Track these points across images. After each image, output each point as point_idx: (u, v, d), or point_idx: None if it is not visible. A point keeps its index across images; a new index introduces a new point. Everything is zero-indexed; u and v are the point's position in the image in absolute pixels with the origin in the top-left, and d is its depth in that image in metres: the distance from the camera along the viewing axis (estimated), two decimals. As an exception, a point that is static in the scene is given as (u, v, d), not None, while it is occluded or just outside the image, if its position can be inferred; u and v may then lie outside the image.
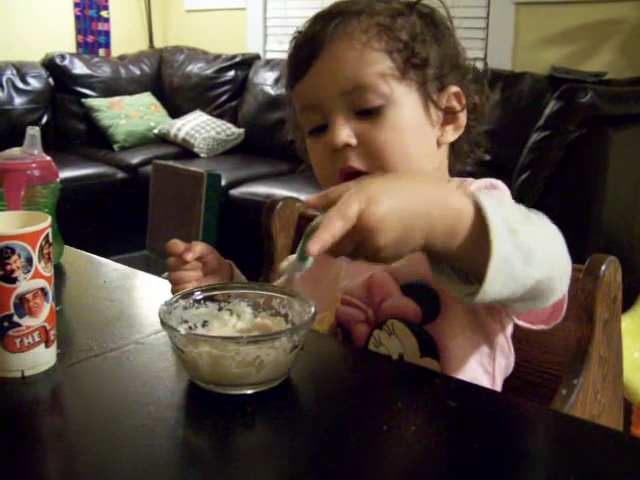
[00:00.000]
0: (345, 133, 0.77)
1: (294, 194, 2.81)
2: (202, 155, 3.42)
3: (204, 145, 3.42)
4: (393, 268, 0.79)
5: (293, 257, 0.93)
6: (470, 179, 0.83)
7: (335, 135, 0.77)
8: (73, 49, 3.94)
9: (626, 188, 2.31)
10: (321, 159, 0.81)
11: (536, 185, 2.22)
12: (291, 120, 0.90)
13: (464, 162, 0.88)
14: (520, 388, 0.85)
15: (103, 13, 4.06)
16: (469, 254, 0.60)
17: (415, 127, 0.79)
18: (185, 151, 3.44)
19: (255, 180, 3.00)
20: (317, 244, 0.55)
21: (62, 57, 3.65)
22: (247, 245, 2.73)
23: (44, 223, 0.68)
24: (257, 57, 3.75)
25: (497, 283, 0.59)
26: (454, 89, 0.82)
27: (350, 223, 0.56)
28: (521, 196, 2.23)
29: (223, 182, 2.88)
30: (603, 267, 0.81)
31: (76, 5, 3.94)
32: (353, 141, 0.77)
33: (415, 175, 0.70)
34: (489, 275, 0.58)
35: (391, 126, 0.77)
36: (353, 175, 0.76)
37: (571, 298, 0.74)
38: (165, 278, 0.87)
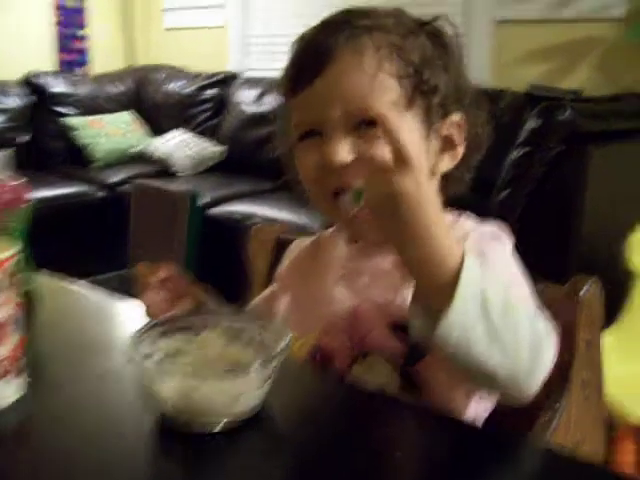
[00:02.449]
0: (344, 151, 0.73)
1: (275, 213, 2.80)
2: (183, 174, 3.39)
3: (185, 164, 3.40)
4: (382, 303, 0.77)
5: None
6: (467, 214, 0.81)
7: (335, 153, 0.73)
8: (52, 67, 3.91)
9: (606, 204, 2.32)
10: (311, 171, 0.77)
11: (517, 202, 2.22)
12: (281, 129, 0.85)
13: (454, 192, 0.85)
14: (501, 412, 0.84)
15: (83, 31, 4.04)
16: (432, 293, 0.62)
17: (414, 152, 0.75)
18: (166, 169, 3.41)
19: (236, 199, 2.99)
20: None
21: (41, 75, 3.63)
22: (227, 264, 2.71)
23: (12, 250, 0.66)
24: (237, 75, 3.75)
25: (449, 336, 0.60)
26: (456, 117, 0.79)
27: (402, 150, 0.65)
28: (502, 213, 2.23)
29: (204, 201, 2.86)
30: (584, 289, 0.80)
31: (56, 23, 3.92)
32: (350, 159, 0.74)
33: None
34: (446, 319, 0.59)
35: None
36: (344, 191, 0.74)
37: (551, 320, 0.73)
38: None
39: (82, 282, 1.04)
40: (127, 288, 3.04)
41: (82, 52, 4.05)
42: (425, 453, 0.60)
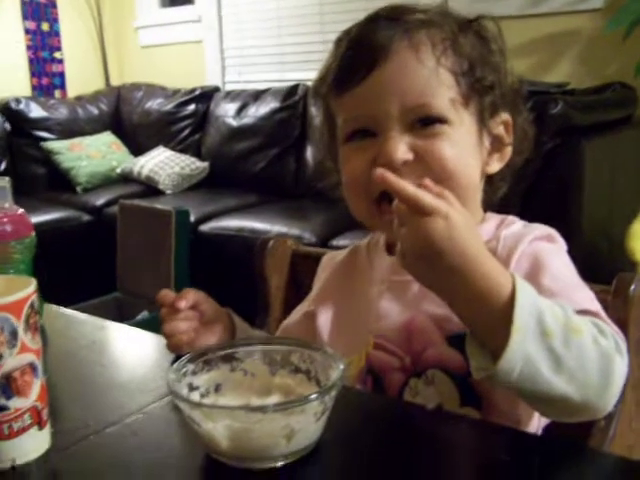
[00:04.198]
0: (402, 148, 0.70)
1: (266, 226, 2.75)
2: (168, 192, 3.33)
3: (169, 181, 3.34)
4: (438, 316, 0.72)
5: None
6: (512, 217, 0.78)
7: (394, 150, 0.70)
8: (28, 92, 3.84)
9: (602, 195, 2.31)
10: (359, 171, 0.73)
11: (514, 198, 2.19)
12: (322, 130, 0.82)
13: (494, 195, 0.81)
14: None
15: (56, 54, 3.97)
16: (487, 331, 0.59)
17: (471, 151, 0.74)
18: (150, 189, 3.35)
19: (224, 214, 2.93)
20: (388, 175, 0.59)
21: (17, 101, 3.55)
22: (221, 281, 2.66)
23: (29, 288, 0.60)
24: (217, 89, 3.70)
25: (512, 372, 0.57)
26: (505, 117, 0.76)
27: (419, 205, 0.57)
28: (501, 211, 2.21)
29: (192, 218, 2.80)
30: (633, 286, 0.76)
31: (28, 48, 3.85)
32: (410, 157, 0.70)
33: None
34: (503, 360, 0.56)
35: (452, 143, 0.71)
36: (389, 195, 0.68)
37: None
38: (134, 323, 0.80)
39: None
40: (119, 310, 2.93)
41: (58, 75, 3.98)
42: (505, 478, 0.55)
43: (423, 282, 0.62)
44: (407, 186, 0.59)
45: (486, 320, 0.58)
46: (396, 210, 0.60)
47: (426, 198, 0.58)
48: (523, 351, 0.56)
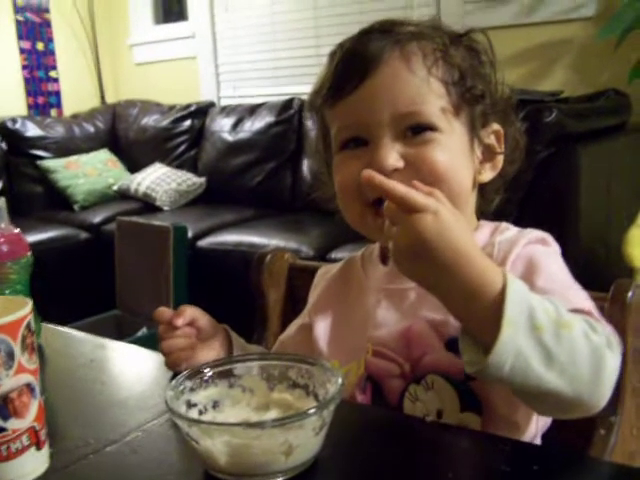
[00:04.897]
0: (394, 156, 0.71)
1: (264, 240, 2.76)
2: (165, 208, 3.33)
3: (166, 198, 3.35)
4: (436, 321, 0.73)
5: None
6: (505, 224, 0.78)
7: (385, 158, 0.71)
8: (24, 112, 3.85)
9: (598, 202, 2.31)
10: (352, 179, 0.73)
11: (511, 207, 2.19)
12: (317, 142, 0.84)
13: (488, 206, 0.82)
14: (557, 426, 0.79)
15: (52, 73, 3.98)
16: (479, 326, 0.59)
17: (462, 158, 0.75)
18: (147, 205, 3.36)
19: (222, 229, 2.93)
20: (375, 175, 0.60)
21: (13, 121, 3.56)
22: (219, 296, 2.66)
23: (24, 309, 0.60)
24: (212, 104, 3.71)
25: (503, 366, 0.57)
26: (496, 126, 0.78)
27: (408, 203, 0.58)
28: (497, 219, 2.21)
29: (189, 234, 2.80)
30: (630, 293, 0.76)
31: (24, 67, 3.87)
32: (401, 164, 0.72)
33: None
34: (494, 350, 0.56)
35: (442, 149, 0.72)
36: (381, 203, 0.68)
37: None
38: (133, 341, 0.80)
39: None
40: (119, 328, 2.92)
41: (54, 94, 4.00)
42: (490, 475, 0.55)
43: (415, 280, 0.63)
44: (396, 185, 0.60)
45: (478, 315, 0.59)
46: (386, 211, 0.61)
47: (415, 196, 0.59)
48: (514, 345, 0.56)
